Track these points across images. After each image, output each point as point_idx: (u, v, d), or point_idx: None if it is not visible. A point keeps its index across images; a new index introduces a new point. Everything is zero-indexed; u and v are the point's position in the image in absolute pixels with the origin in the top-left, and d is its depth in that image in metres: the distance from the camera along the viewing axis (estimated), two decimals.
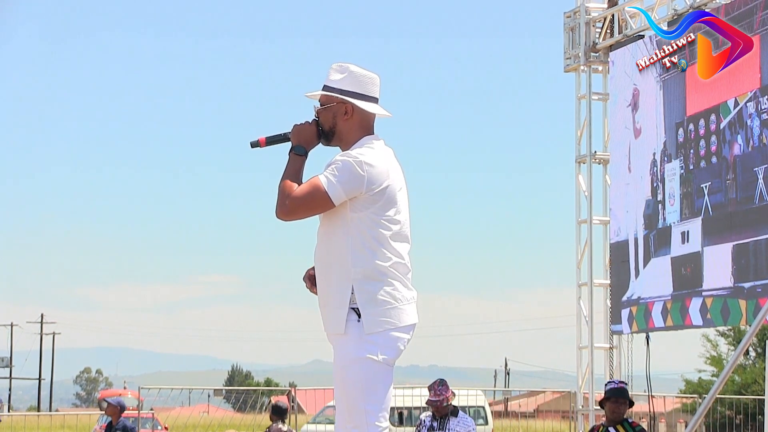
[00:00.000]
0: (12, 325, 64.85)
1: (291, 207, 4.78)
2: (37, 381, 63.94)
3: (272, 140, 5.02)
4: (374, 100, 4.99)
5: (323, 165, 4.89)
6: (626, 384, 10.02)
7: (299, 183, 4.82)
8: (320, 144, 5.00)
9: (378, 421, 4.81)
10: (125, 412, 15.14)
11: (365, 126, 4.98)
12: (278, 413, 13.59)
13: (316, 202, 4.77)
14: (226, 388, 55.66)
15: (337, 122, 4.95)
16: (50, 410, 58.77)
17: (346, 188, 4.76)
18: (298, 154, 4.90)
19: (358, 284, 4.79)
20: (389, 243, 4.84)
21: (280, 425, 13.50)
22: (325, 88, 4.98)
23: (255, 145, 5.02)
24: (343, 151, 4.92)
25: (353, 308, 4.78)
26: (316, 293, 4.98)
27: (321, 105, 4.98)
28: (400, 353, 4.85)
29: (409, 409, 22.79)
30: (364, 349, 4.76)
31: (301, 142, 4.92)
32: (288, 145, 4.97)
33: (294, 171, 4.85)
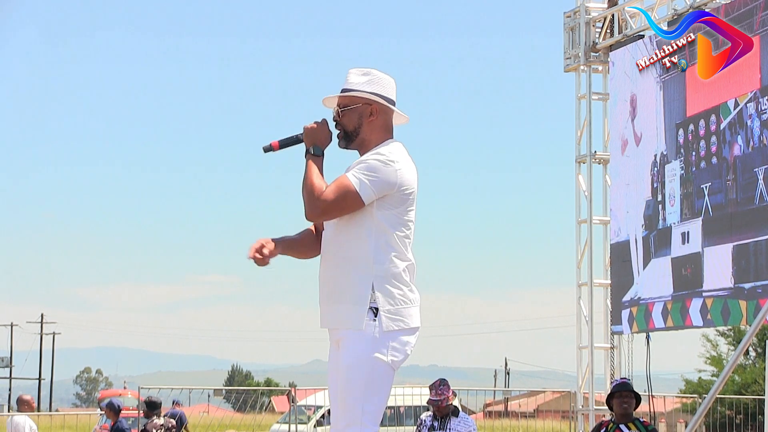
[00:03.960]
0: (12, 325, 64.84)
1: (323, 208, 4.75)
2: (37, 381, 63.89)
3: (285, 143, 4.99)
4: (393, 103, 4.99)
5: (336, 166, 4.89)
6: (629, 380, 10.13)
7: (325, 183, 4.79)
8: (330, 144, 4.94)
9: (372, 422, 4.79)
10: (123, 412, 15.17)
11: (387, 128, 4.96)
12: (152, 408, 13.93)
13: (348, 202, 4.74)
14: (226, 388, 55.58)
15: (362, 123, 4.91)
16: (50, 410, 58.68)
17: (376, 188, 4.75)
18: (316, 155, 4.87)
19: (378, 282, 4.77)
20: (407, 244, 4.86)
21: (155, 419, 13.85)
22: (346, 91, 4.93)
23: (268, 149, 4.98)
24: (361, 154, 4.89)
25: (371, 307, 4.76)
26: (260, 262, 4.80)
27: (343, 107, 4.92)
28: (406, 357, 4.84)
29: (409, 408, 22.77)
30: (376, 349, 4.75)
31: (316, 142, 4.89)
32: (300, 147, 4.93)
33: (317, 172, 4.82)
